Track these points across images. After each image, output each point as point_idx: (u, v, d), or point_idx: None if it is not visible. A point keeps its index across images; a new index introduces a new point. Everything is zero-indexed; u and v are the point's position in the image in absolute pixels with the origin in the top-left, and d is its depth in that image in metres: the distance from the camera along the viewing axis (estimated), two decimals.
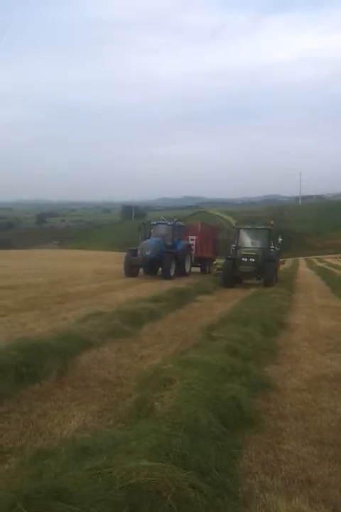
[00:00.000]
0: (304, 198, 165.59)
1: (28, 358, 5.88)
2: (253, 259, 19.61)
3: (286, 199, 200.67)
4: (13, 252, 52.34)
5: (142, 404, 4.60)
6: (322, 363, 7.23)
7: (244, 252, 20.03)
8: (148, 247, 21.75)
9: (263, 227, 22.59)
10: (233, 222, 26.21)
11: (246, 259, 19.64)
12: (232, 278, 19.72)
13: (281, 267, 35.90)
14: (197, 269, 26.78)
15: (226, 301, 14.06)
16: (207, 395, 4.56)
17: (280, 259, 30.14)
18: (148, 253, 21.37)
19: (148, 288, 16.79)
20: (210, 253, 27.82)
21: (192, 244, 25.54)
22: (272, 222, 22.78)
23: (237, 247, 20.54)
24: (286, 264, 47.28)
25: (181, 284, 17.97)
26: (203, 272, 27.09)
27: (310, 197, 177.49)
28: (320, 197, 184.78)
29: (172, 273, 21.85)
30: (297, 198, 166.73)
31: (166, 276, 21.49)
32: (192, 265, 25.32)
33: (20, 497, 2.64)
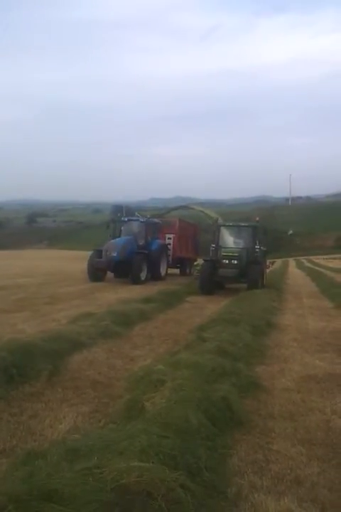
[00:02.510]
0: (293, 198, 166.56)
1: (18, 359, 5.88)
2: (235, 261, 17.05)
3: (276, 200, 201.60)
4: (2, 252, 52.01)
5: (133, 405, 4.62)
6: (311, 363, 7.29)
7: (224, 253, 17.42)
8: (114, 247, 19.14)
9: (247, 224, 19.96)
10: (217, 218, 24.57)
11: (227, 261, 17.10)
12: (211, 283, 17.11)
13: (269, 269, 35.76)
14: (177, 271, 25.10)
15: (216, 302, 14.11)
16: (198, 395, 4.58)
17: (269, 261, 29.43)
18: (113, 254, 18.74)
19: (138, 288, 16.80)
20: (190, 253, 25.70)
21: (170, 244, 23.47)
22: (257, 219, 20.04)
23: (218, 247, 17.92)
24: (276, 264, 47.59)
25: (172, 284, 17.99)
26: (183, 273, 25.00)
27: (300, 198, 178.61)
28: (309, 198, 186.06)
29: (143, 277, 19.39)
30: (287, 199, 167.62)
31: (135, 280, 18.83)
32: (171, 267, 23.43)
33: (11, 498, 2.65)
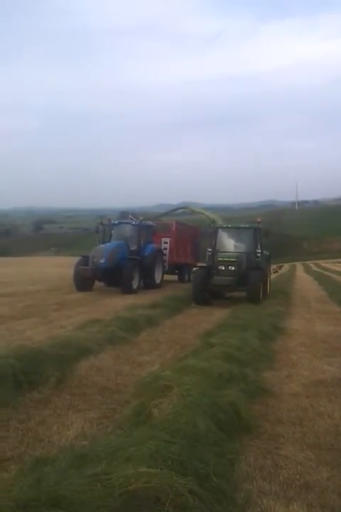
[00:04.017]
0: (300, 203, 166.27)
1: (26, 365, 5.89)
2: (232, 267, 14.98)
3: (283, 204, 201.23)
4: (10, 259, 52.28)
5: (140, 411, 4.61)
6: (319, 368, 7.25)
7: (220, 258, 15.37)
8: (102, 253, 17.32)
9: (247, 225, 17.70)
10: (219, 220, 22.46)
11: (223, 267, 15.08)
12: (206, 292, 15.04)
13: (275, 274, 35.31)
14: (175, 278, 23.24)
15: (223, 307, 14.07)
16: (205, 401, 4.57)
17: (276, 265, 28.63)
18: (101, 261, 16.95)
19: (145, 294, 16.79)
20: (189, 258, 23.45)
21: (166, 248, 21.52)
22: (259, 220, 17.81)
23: (214, 252, 15.93)
24: (283, 269, 47.48)
25: (178, 290, 17.88)
26: (181, 280, 22.91)
27: (306, 202, 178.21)
28: (316, 202, 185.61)
29: (134, 285, 17.46)
30: (293, 203, 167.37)
31: (126, 289, 16.94)
32: (168, 273, 21.69)
33: (19, 505, 2.66)
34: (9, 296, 14.97)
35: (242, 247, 16.32)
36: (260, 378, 6.32)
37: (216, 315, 12.59)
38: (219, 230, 16.87)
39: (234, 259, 15.25)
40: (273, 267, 47.84)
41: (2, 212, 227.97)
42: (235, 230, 17.25)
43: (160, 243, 21.38)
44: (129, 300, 14.58)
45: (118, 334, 8.78)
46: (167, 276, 21.59)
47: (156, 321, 10.86)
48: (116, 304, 13.60)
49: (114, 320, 9.90)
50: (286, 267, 54.66)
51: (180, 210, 29.39)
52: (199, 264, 17.51)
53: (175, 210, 28.90)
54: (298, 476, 3.74)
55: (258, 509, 3.24)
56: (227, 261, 15.21)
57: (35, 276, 24.47)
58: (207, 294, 15.07)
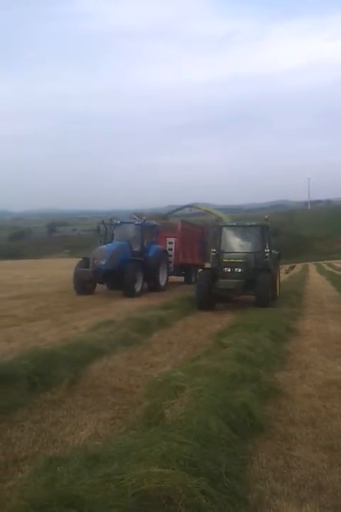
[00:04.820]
0: (312, 202, 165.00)
1: (40, 367, 5.97)
2: (239, 269, 13.84)
3: (295, 204, 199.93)
4: (24, 261, 52.69)
5: (153, 411, 4.63)
6: (332, 368, 7.20)
7: (226, 259, 14.20)
8: (102, 254, 16.53)
9: (254, 223, 16.21)
10: (226, 219, 21.45)
11: (229, 269, 13.93)
12: (211, 296, 13.83)
13: (287, 274, 34.74)
14: (181, 279, 22.33)
15: (235, 308, 14.03)
16: (217, 401, 4.58)
17: (288, 265, 27.82)
18: (102, 263, 16.15)
19: (157, 295, 16.80)
20: (196, 258, 22.47)
21: (171, 249, 20.60)
22: (267, 217, 16.37)
23: (219, 253, 14.81)
24: (296, 269, 47.18)
25: (188, 291, 17.70)
26: (188, 282, 21.81)
27: (319, 201, 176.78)
28: (328, 201, 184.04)
29: (137, 288, 16.59)
30: (305, 203, 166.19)
31: (129, 292, 16.08)
32: (174, 275, 20.92)
33: (33, 505, 2.70)
34: (23, 298, 15.11)
35: (249, 247, 15.11)
36: (272, 379, 6.31)
37: (228, 315, 12.57)
38: (224, 229, 15.66)
39: (240, 260, 14.08)
40: (286, 267, 47.62)
41: (16, 215, 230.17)
42: (241, 229, 16.02)
43: (165, 244, 20.53)
44: (141, 301, 14.61)
45: (131, 335, 8.83)
46: (174, 278, 21.17)
47: (168, 322, 10.89)
48: (128, 305, 13.65)
49: (126, 321, 9.95)
50: (299, 267, 54.26)
51: (186, 209, 27.75)
52: (202, 267, 16.63)
53: (180, 208, 27.51)
54: (310, 477, 3.73)
55: (271, 510, 3.24)
56: (233, 262, 14.06)
57: (49, 278, 24.60)
58: (212, 298, 13.91)
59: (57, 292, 17.21)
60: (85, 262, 16.94)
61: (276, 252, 16.37)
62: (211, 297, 13.80)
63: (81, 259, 17.71)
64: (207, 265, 16.07)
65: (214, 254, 15.06)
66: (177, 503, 2.83)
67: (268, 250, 14.86)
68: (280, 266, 20.30)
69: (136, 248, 17.76)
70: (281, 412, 5.21)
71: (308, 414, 5.16)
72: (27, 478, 3.42)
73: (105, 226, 18.59)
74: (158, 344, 8.74)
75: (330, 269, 45.21)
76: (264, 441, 4.40)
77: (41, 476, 3.26)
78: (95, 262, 16.30)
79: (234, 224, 17.07)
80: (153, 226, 19.34)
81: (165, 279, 18.91)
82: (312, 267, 57.28)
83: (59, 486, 2.94)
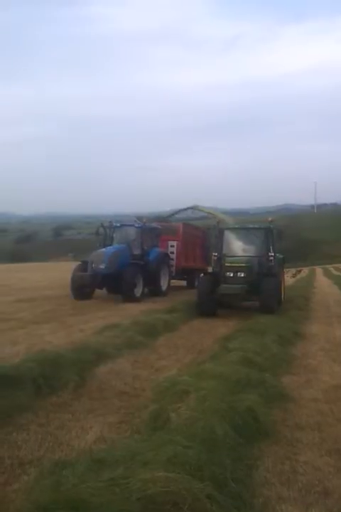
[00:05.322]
0: (319, 206, 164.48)
1: (45, 370, 5.97)
2: (242, 274, 13.16)
3: (301, 207, 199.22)
4: (30, 265, 52.88)
5: (158, 415, 4.63)
6: (339, 373, 7.17)
7: (228, 263, 13.52)
8: (101, 257, 15.98)
9: (257, 226, 15.73)
10: (230, 221, 21.03)
11: (231, 274, 13.24)
12: (212, 302, 13.21)
13: (294, 278, 34.51)
14: (183, 283, 21.83)
15: (241, 312, 14.00)
16: (223, 406, 4.57)
17: (295, 269, 27.23)
18: (101, 266, 15.62)
19: (161, 299, 16.77)
20: (199, 262, 21.89)
21: (173, 252, 20.00)
22: (271, 219, 15.64)
23: (221, 257, 14.10)
24: (303, 273, 47.04)
25: (192, 295, 17.53)
26: (190, 286, 20.99)
27: (325, 205, 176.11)
28: (335, 205, 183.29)
29: (138, 293, 15.97)
30: (312, 207, 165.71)
31: (128, 296, 15.47)
32: (176, 279, 20.39)
33: (39, 508, 2.71)
34: (29, 301, 15.14)
35: (253, 251, 14.50)
36: (278, 383, 6.28)
37: (234, 319, 12.54)
38: (226, 231, 15.06)
39: (243, 265, 13.43)
40: (292, 271, 47.52)
41: (23, 219, 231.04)
42: (244, 231, 15.47)
43: (167, 247, 19.96)
44: (147, 305, 14.60)
45: (136, 339, 8.82)
46: (176, 282, 20.66)
47: (174, 326, 10.88)
48: (133, 309, 13.64)
49: (131, 325, 9.94)
50: (306, 271, 54.15)
51: (189, 211, 27.40)
52: (203, 272, 15.93)
53: (182, 210, 27.15)
54: (316, 482, 3.71)
55: None
56: (236, 266, 13.39)
57: (54, 282, 24.65)
58: (214, 304, 13.29)
59: (63, 295, 17.22)
60: (83, 266, 16.42)
61: (281, 256, 15.84)
62: (212, 303, 13.24)
63: (79, 262, 17.22)
64: (209, 269, 15.62)
65: (215, 258, 14.48)
66: (182, 507, 2.82)
67: (272, 254, 14.20)
68: (287, 270, 20.18)
69: (136, 251, 17.26)
70: (287, 416, 5.19)
71: (315, 418, 5.14)
72: (32, 481, 3.43)
73: (104, 229, 18.15)
74: (163, 348, 8.73)
75: (337, 273, 45.05)
76: (270, 445, 4.38)
77: (46, 480, 3.26)
78: (93, 265, 15.79)
79: (237, 226, 16.44)
80: (153, 228, 18.93)
81: (166, 284, 18.39)
82: (319, 270, 57.12)
83: (64, 490, 2.94)
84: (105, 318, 11.82)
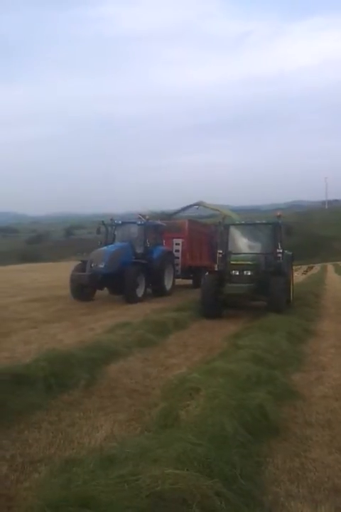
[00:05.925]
0: (330, 202, 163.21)
1: (57, 368, 6.03)
2: (248, 272, 12.42)
3: (312, 204, 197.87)
4: (42, 265, 53.20)
5: (168, 413, 4.66)
6: None
7: (233, 261, 12.80)
8: (101, 256, 15.31)
9: (264, 221, 14.93)
10: (236, 217, 20.01)
11: (237, 273, 12.49)
12: (218, 303, 12.51)
13: (305, 275, 33.96)
14: (189, 282, 20.77)
15: (251, 309, 13.95)
16: (233, 403, 4.58)
17: (306, 266, 26.26)
18: (101, 266, 14.92)
19: (172, 297, 16.78)
20: (205, 260, 20.50)
21: (178, 250, 19.32)
22: (279, 214, 14.72)
23: (226, 254, 13.47)
24: (314, 270, 46.73)
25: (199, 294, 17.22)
26: (197, 285, 18.85)
27: (337, 201, 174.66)
28: None
29: (140, 293, 15.36)
30: (323, 203, 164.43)
31: (130, 297, 14.92)
32: (182, 277, 19.74)
33: (49, 505, 2.74)
34: (41, 300, 15.26)
35: (260, 247, 13.76)
36: (288, 380, 6.27)
37: (243, 317, 12.52)
38: (231, 228, 14.30)
39: (249, 262, 12.67)
40: (304, 267, 47.22)
41: (35, 219, 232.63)
42: (250, 227, 14.59)
43: (172, 245, 19.21)
44: (157, 304, 14.63)
45: (147, 337, 8.86)
46: (181, 281, 20.05)
47: (184, 324, 10.90)
48: (144, 307, 13.68)
49: (142, 323, 9.99)
50: (317, 267, 53.79)
51: (194, 207, 26.62)
52: (208, 271, 14.76)
53: (187, 207, 25.52)
54: (326, 479, 3.71)
55: None
56: (242, 264, 12.62)
57: (66, 281, 24.74)
58: (219, 304, 12.60)
59: None
60: (83, 265, 15.78)
61: (289, 253, 14.92)
62: (218, 303, 12.55)
63: (79, 262, 16.69)
64: (209, 269, 14.95)
65: (220, 255, 13.70)
66: (191, 504, 2.84)
67: (280, 250, 13.28)
68: (298, 267, 19.90)
69: (139, 250, 16.57)
70: (297, 413, 5.19)
71: (325, 416, 5.13)
72: (43, 478, 3.47)
73: (105, 227, 17.41)
74: (173, 346, 8.76)
75: None
76: (280, 443, 4.38)
77: (57, 477, 3.31)
78: (93, 265, 15.14)
79: (243, 222, 15.67)
80: (157, 226, 18.12)
81: (170, 283, 17.68)
82: (330, 267, 56.68)
83: (74, 487, 2.98)
84: (116, 316, 11.88)
